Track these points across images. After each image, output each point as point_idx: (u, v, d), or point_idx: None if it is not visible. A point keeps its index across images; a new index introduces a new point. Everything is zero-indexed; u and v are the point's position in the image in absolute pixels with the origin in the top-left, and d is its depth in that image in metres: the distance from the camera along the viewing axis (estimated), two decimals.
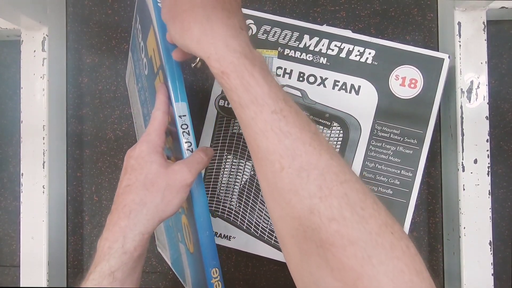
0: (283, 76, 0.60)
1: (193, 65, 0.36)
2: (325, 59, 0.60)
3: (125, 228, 0.31)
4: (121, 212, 0.32)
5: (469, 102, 0.58)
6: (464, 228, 0.56)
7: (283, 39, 0.60)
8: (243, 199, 0.60)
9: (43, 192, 0.62)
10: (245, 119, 0.27)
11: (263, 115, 0.26)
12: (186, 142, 0.34)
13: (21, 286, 0.62)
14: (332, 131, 0.59)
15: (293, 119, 0.26)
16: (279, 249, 0.58)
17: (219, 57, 0.27)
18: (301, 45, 0.60)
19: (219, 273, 0.35)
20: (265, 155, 0.26)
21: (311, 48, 0.60)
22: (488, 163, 0.57)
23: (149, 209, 0.32)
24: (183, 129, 0.34)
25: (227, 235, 0.60)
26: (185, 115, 0.35)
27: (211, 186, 0.61)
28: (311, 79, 0.60)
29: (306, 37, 0.60)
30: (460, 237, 0.56)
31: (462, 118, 0.57)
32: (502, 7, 0.59)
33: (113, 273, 0.31)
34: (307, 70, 0.60)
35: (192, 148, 0.35)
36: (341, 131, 0.59)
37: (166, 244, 0.56)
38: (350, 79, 0.59)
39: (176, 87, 0.33)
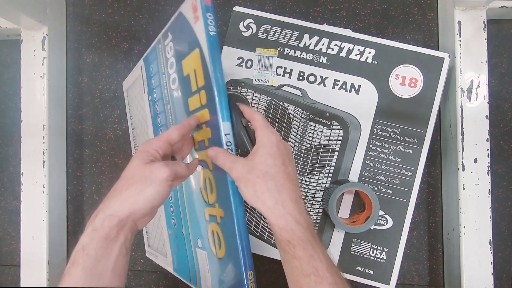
0: (283, 76, 0.60)
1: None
2: (325, 58, 0.60)
3: (99, 210, 0.35)
4: (102, 203, 0.36)
5: (469, 101, 0.57)
6: (464, 227, 0.56)
7: (283, 38, 0.60)
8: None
9: (43, 192, 0.62)
10: (305, 284, 0.33)
11: (324, 286, 0.32)
12: None
13: (21, 286, 0.62)
14: (332, 131, 0.59)
15: (344, 287, 0.32)
16: None
17: (288, 230, 0.33)
18: (301, 44, 0.60)
19: (253, 275, 0.38)
20: None
21: (311, 47, 0.60)
22: (488, 163, 0.57)
23: (121, 195, 0.35)
24: (228, 146, 0.37)
25: None
26: (229, 134, 0.38)
27: None
28: (311, 78, 0.60)
29: (306, 36, 0.60)
30: (460, 236, 0.56)
31: (462, 117, 0.57)
32: (502, 6, 0.59)
33: (84, 248, 0.33)
34: (307, 69, 0.60)
35: None
36: (341, 131, 0.59)
37: (168, 252, 0.56)
38: (350, 78, 0.59)
39: (223, 108, 0.37)
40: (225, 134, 0.37)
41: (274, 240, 0.59)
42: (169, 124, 0.47)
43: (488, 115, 0.57)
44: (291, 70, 0.60)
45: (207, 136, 0.40)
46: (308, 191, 0.58)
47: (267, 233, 0.59)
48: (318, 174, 0.59)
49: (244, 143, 0.40)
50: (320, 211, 0.58)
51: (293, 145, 0.59)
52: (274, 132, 0.37)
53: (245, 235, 0.38)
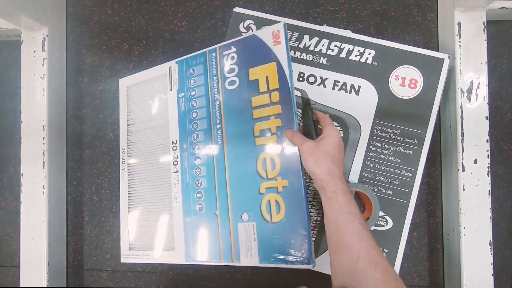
0: None
1: None
2: (325, 59, 0.60)
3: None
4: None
5: (469, 102, 0.58)
6: (464, 228, 0.56)
7: None
8: None
9: (43, 192, 0.62)
10: (341, 221, 0.44)
11: (355, 223, 0.44)
12: None
13: (21, 286, 0.62)
14: None
15: (368, 230, 0.44)
16: None
17: (335, 183, 0.46)
18: (301, 45, 0.60)
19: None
20: (348, 248, 0.43)
21: (311, 48, 0.60)
22: (488, 163, 0.57)
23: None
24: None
25: None
26: (298, 123, 0.53)
27: None
28: (311, 79, 0.60)
29: (306, 37, 0.60)
30: (460, 237, 0.56)
31: (462, 118, 0.57)
32: (502, 7, 0.59)
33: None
34: (307, 70, 0.60)
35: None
36: (341, 131, 0.59)
37: (179, 243, 0.57)
38: (350, 79, 0.59)
39: (294, 104, 0.52)
40: (298, 123, 0.52)
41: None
42: (212, 116, 0.57)
43: (488, 116, 0.57)
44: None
45: (277, 124, 0.52)
46: (308, 192, 0.58)
47: None
48: None
49: (310, 132, 0.53)
50: (320, 211, 0.58)
51: None
52: (336, 129, 0.51)
53: (306, 197, 0.50)
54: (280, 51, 0.53)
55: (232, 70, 0.57)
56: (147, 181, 0.62)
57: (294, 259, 0.50)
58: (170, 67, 0.62)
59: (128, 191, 0.63)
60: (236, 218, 0.54)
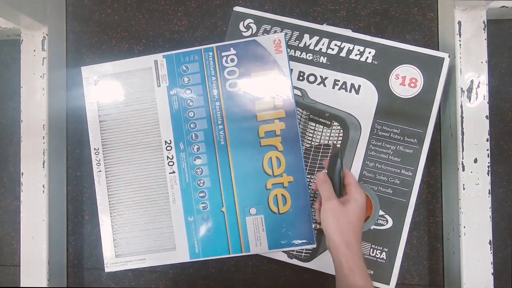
0: None
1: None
2: (325, 58, 0.60)
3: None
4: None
5: (469, 101, 0.57)
6: (464, 227, 0.56)
7: None
8: None
9: (43, 192, 0.62)
10: None
11: None
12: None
13: (21, 286, 0.62)
14: (332, 131, 0.59)
15: None
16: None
17: (354, 260, 0.45)
18: (301, 44, 0.60)
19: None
20: None
21: (311, 47, 0.60)
22: (488, 163, 0.57)
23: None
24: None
25: None
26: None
27: None
28: (311, 78, 0.60)
29: (306, 36, 0.60)
30: (460, 236, 0.56)
31: (462, 117, 0.57)
32: (502, 6, 0.59)
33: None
34: (307, 69, 0.60)
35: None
36: (341, 131, 0.59)
37: (182, 242, 0.58)
38: (350, 78, 0.59)
39: (295, 104, 0.58)
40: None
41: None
42: (212, 116, 0.58)
43: (488, 115, 0.57)
44: (291, 70, 0.60)
45: (281, 127, 0.57)
46: (308, 192, 0.58)
47: None
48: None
49: (334, 187, 0.50)
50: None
51: None
52: (363, 193, 0.49)
53: (308, 189, 0.57)
54: (282, 60, 0.57)
55: (232, 73, 0.58)
56: (133, 183, 0.59)
57: (300, 242, 0.57)
58: (156, 60, 0.59)
59: (109, 195, 0.59)
60: (244, 213, 0.58)
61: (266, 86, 0.57)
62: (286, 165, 0.57)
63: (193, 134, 0.58)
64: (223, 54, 0.58)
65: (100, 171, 0.60)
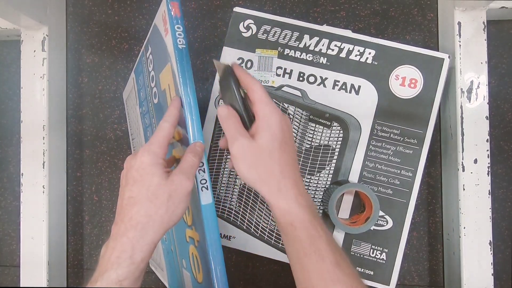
0: (283, 76, 0.60)
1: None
2: (325, 59, 0.60)
3: (133, 239, 0.32)
4: (128, 224, 0.33)
5: (469, 102, 0.58)
6: (464, 228, 0.56)
7: (283, 39, 0.60)
8: (243, 199, 0.60)
9: (43, 192, 0.62)
10: (307, 264, 0.32)
11: (326, 265, 0.32)
12: (201, 180, 0.36)
13: (21, 286, 0.62)
14: (332, 131, 0.59)
15: (347, 266, 0.32)
16: (279, 249, 0.58)
17: (290, 212, 0.33)
18: (301, 45, 0.60)
19: None
20: None
21: (311, 48, 0.60)
22: (488, 163, 0.57)
23: (154, 221, 0.32)
24: (199, 167, 0.35)
25: (227, 235, 0.60)
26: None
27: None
28: (311, 79, 0.60)
29: (306, 37, 0.60)
30: (460, 237, 0.56)
31: (462, 118, 0.57)
32: (502, 7, 0.59)
33: (121, 282, 0.32)
34: (307, 70, 0.60)
35: (207, 185, 0.36)
36: (341, 131, 0.59)
37: (164, 266, 0.55)
38: (350, 79, 0.59)
39: (194, 127, 0.35)
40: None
41: (274, 240, 0.59)
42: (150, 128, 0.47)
43: (488, 115, 0.57)
44: (291, 70, 0.60)
45: (179, 155, 0.38)
46: (308, 192, 0.58)
47: (267, 233, 0.59)
48: (318, 175, 0.59)
49: (242, 117, 0.35)
50: (320, 211, 0.58)
51: None
52: (275, 109, 0.34)
53: (220, 264, 0.35)
54: (170, 45, 0.36)
55: (153, 79, 0.44)
56: None
57: None
58: (133, 78, 0.53)
59: None
60: (181, 262, 0.45)
61: (167, 91, 0.39)
62: (192, 214, 0.39)
63: None
64: (147, 56, 0.45)
65: None
